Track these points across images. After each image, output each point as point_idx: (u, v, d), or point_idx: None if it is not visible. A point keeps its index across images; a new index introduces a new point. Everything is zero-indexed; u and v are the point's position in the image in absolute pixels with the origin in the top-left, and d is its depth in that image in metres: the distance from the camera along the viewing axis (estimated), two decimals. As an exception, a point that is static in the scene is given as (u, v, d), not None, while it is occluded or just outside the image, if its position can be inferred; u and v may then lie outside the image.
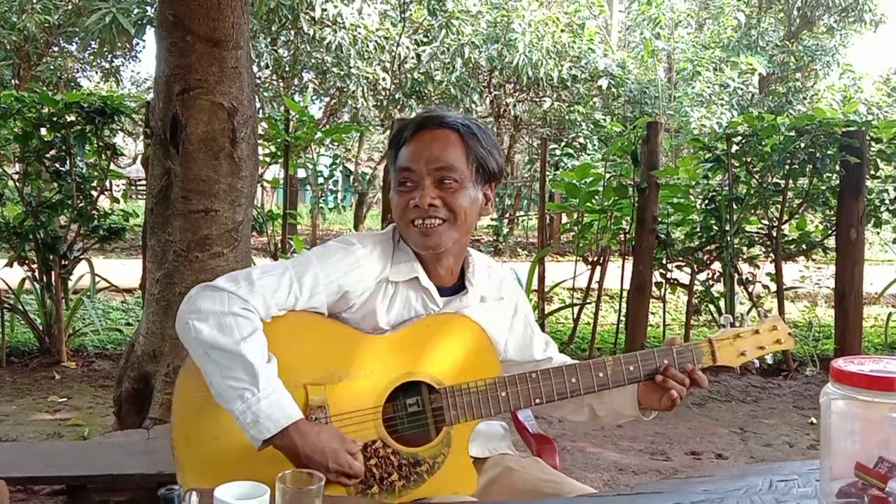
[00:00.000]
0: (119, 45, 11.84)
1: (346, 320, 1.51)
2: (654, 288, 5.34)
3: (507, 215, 14.07)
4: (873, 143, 5.10)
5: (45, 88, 5.87)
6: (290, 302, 1.44)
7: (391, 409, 1.48)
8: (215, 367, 1.36)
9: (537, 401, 1.50)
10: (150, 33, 9.81)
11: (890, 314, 6.32)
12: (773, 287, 5.31)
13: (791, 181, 5.23)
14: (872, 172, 5.18)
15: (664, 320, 5.89)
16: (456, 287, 1.61)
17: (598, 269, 5.56)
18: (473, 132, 1.53)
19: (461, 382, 1.48)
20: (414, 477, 1.46)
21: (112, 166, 5.36)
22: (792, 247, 5.40)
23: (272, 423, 1.33)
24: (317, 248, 1.56)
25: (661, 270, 5.43)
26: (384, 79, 12.07)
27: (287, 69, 12.05)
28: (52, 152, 5.04)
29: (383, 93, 12.45)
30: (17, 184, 5.11)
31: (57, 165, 5.07)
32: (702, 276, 5.42)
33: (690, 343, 1.57)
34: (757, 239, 5.39)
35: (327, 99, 13.48)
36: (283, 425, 1.34)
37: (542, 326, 5.74)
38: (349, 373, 1.45)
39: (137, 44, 14.39)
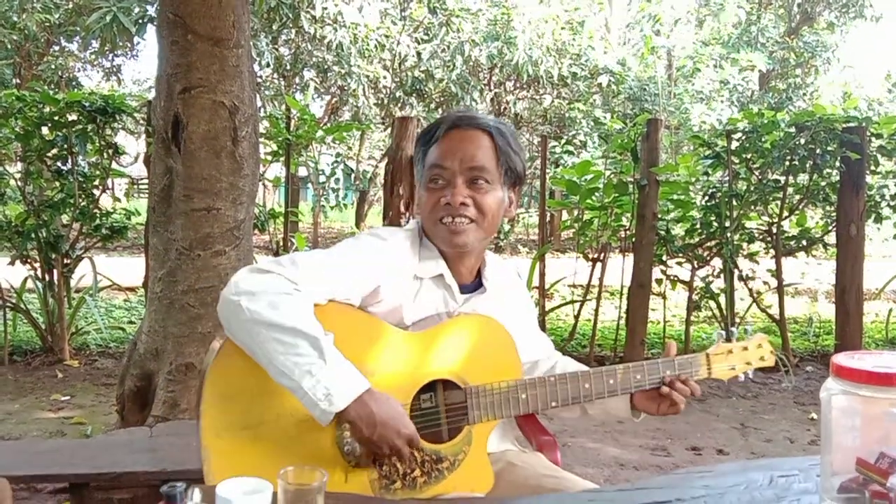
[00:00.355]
0: (120, 43, 11.84)
1: (374, 313, 1.51)
2: (654, 284, 5.34)
3: (508, 212, 14.03)
4: (873, 139, 5.10)
5: (46, 87, 5.88)
6: (328, 290, 1.43)
7: (415, 405, 1.50)
8: (276, 345, 1.32)
9: (553, 404, 1.54)
10: (151, 32, 9.81)
11: (890, 310, 6.33)
12: (774, 283, 5.32)
13: (791, 177, 5.23)
14: (873, 168, 5.18)
15: (664, 317, 5.90)
16: (473, 285, 1.63)
17: (599, 265, 5.56)
18: (503, 134, 1.57)
19: (485, 383, 1.51)
20: (435, 473, 1.47)
21: (114, 165, 5.37)
22: (792, 243, 5.40)
23: (345, 394, 1.32)
24: (349, 240, 1.56)
25: (662, 267, 5.43)
26: (385, 77, 12.08)
27: (288, 68, 12.05)
28: (54, 151, 5.05)
29: (384, 91, 12.46)
30: (19, 183, 5.12)
31: (59, 164, 5.09)
32: (702, 273, 5.42)
33: (690, 356, 1.64)
34: (757, 235, 5.39)
35: (328, 97, 13.49)
36: (357, 393, 1.33)
37: (542, 323, 5.75)
38: (381, 368, 1.46)
39: (138, 43, 14.40)
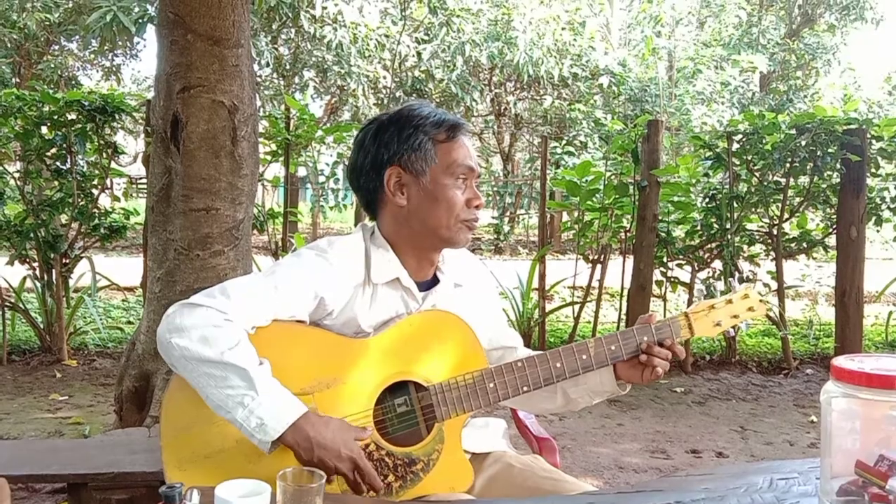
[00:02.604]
0: (120, 43, 11.85)
1: (329, 327, 1.50)
2: (654, 286, 5.34)
3: (508, 213, 14.08)
4: (874, 142, 5.09)
5: (45, 87, 5.87)
6: (268, 311, 1.43)
7: (381, 411, 1.47)
8: (208, 379, 1.34)
9: (525, 388, 1.50)
10: (150, 31, 9.82)
11: (890, 313, 6.31)
12: (774, 285, 5.31)
13: (792, 179, 5.23)
14: (873, 171, 5.17)
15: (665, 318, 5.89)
16: (430, 281, 1.62)
17: (599, 267, 5.56)
18: None
19: (449, 378, 1.48)
20: (410, 476, 1.45)
21: (113, 164, 5.36)
22: (793, 245, 5.40)
23: (278, 422, 1.32)
24: (288, 256, 1.55)
25: (662, 269, 5.43)
26: (385, 77, 12.08)
27: (288, 67, 12.06)
28: (53, 150, 5.04)
29: (384, 91, 12.46)
30: (18, 182, 5.11)
31: (58, 164, 5.07)
32: (702, 275, 5.42)
33: (668, 318, 1.58)
34: (758, 237, 5.39)
35: (328, 97, 13.49)
36: (291, 421, 1.33)
37: (542, 325, 5.75)
38: (336, 379, 1.44)
39: (138, 42, 14.41)
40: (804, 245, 5.39)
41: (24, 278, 5.36)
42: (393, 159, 1.54)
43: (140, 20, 9.59)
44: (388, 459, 1.44)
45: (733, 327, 1.62)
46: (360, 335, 1.50)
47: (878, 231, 5.57)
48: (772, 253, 5.35)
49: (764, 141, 5.08)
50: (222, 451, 1.39)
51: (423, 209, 1.53)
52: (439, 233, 1.53)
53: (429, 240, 1.55)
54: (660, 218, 5.23)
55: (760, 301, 1.63)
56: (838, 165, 5.01)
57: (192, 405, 1.39)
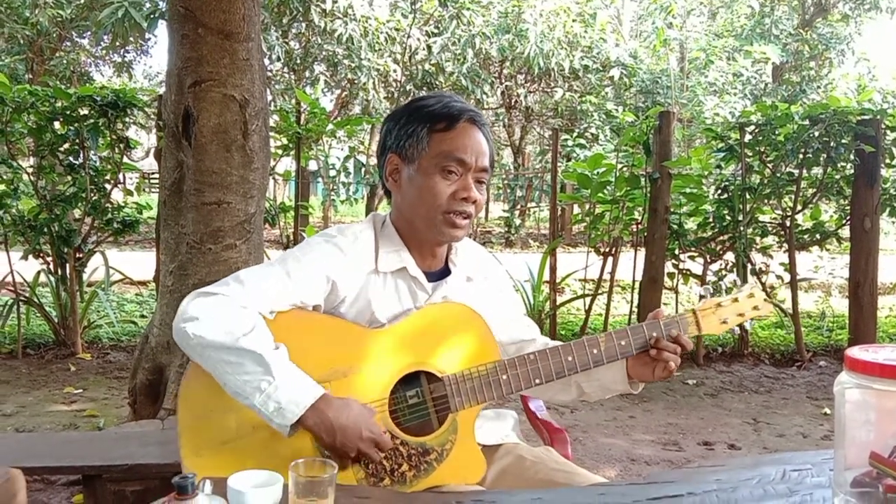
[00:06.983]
0: (131, 39, 11.90)
1: (344, 315, 1.51)
2: (666, 278, 5.32)
3: (519, 206, 14.06)
4: (888, 132, 5.05)
5: (58, 82, 5.89)
6: (282, 297, 1.44)
7: (396, 401, 1.49)
8: (225, 366, 1.35)
9: (537, 381, 1.51)
10: (162, 27, 9.85)
11: (905, 304, 6.28)
12: (787, 277, 5.28)
13: (805, 170, 5.19)
14: (887, 161, 5.12)
15: (677, 311, 5.86)
16: (442, 271, 1.61)
17: (610, 259, 5.54)
18: (489, 138, 1.59)
19: (463, 369, 1.50)
20: (424, 466, 1.46)
21: (125, 159, 5.39)
22: (806, 237, 5.36)
23: (296, 406, 1.33)
24: (299, 244, 1.57)
25: (674, 261, 5.40)
26: (395, 70, 12.07)
27: (298, 61, 12.07)
28: (66, 146, 5.07)
29: (394, 84, 12.46)
30: (32, 177, 5.14)
31: (71, 159, 5.10)
32: (715, 267, 5.39)
33: (676, 315, 1.59)
34: (770, 229, 5.35)
35: (338, 91, 13.49)
36: (309, 403, 1.33)
37: (553, 317, 5.74)
38: (353, 368, 1.46)
39: (149, 38, 14.47)
40: (817, 236, 5.35)
41: (39, 273, 5.40)
42: (393, 147, 1.56)
43: (151, 16, 9.63)
44: (403, 448, 1.45)
45: (739, 325, 1.64)
46: (374, 325, 1.51)
47: (892, 222, 5.53)
48: (785, 244, 5.31)
49: (777, 132, 5.04)
50: (239, 438, 1.40)
51: (409, 197, 1.54)
52: (421, 223, 1.53)
53: (418, 230, 1.55)
54: (671, 210, 5.20)
55: (765, 301, 1.65)
56: (852, 156, 4.97)
57: (210, 392, 1.40)
